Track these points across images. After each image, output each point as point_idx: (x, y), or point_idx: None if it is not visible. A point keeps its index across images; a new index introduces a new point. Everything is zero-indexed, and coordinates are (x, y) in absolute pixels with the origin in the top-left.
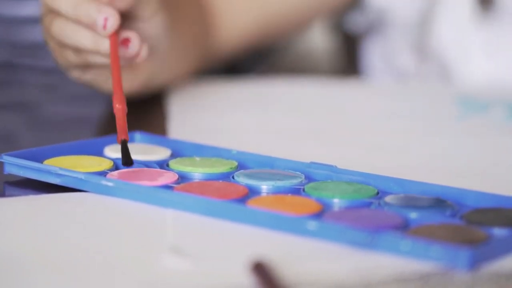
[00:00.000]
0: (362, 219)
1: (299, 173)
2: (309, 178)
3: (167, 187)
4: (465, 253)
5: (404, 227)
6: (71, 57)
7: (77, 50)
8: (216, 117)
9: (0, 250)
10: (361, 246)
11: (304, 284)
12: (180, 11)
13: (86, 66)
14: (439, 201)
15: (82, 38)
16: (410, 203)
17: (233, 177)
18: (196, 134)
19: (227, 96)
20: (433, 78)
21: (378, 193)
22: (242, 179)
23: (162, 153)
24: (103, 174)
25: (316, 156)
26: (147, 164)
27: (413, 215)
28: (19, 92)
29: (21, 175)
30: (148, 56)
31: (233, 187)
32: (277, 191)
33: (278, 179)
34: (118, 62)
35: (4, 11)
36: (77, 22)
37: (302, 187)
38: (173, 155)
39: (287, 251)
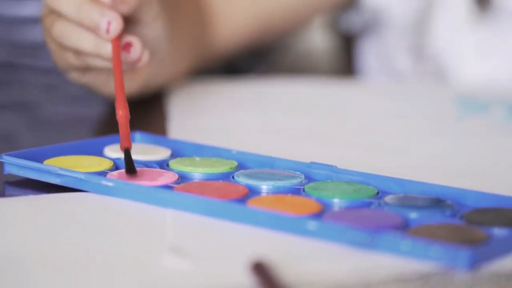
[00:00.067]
0: (362, 219)
1: (299, 173)
2: (309, 178)
3: (167, 187)
4: (465, 253)
5: (404, 227)
6: (71, 59)
7: (78, 52)
8: (216, 117)
9: (0, 250)
10: (361, 246)
11: (304, 284)
12: (179, 11)
13: (86, 69)
14: (439, 201)
15: (84, 41)
16: (410, 203)
17: (233, 177)
18: (196, 134)
19: (227, 96)
20: (428, 79)
21: (378, 193)
22: (242, 179)
23: (162, 153)
24: (103, 174)
25: (316, 156)
26: (147, 164)
27: (413, 215)
28: (19, 92)
29: (21, 175)
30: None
31: (233, 187)
32: (277, 191)
33: (278, 179)
34: (121, 67)
35: (4, 11)
36: (79, 24)
37: (302, 187)
38: (173, 155)
39: (287, 251)
